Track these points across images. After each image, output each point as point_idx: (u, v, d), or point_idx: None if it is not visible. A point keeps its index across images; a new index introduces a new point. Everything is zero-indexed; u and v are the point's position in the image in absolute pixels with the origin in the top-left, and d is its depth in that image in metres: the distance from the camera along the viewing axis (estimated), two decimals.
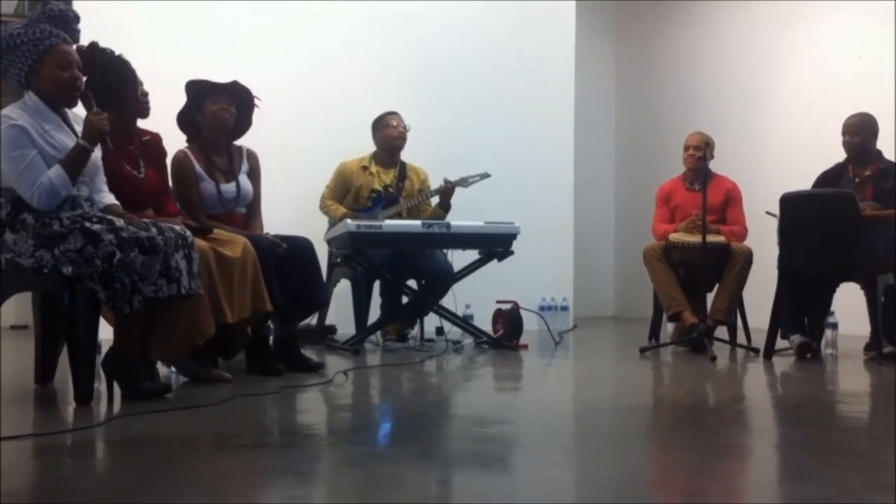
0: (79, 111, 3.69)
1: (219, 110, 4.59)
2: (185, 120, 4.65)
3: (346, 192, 5.84)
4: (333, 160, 5.95)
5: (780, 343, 5.22)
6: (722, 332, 5.64)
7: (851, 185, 5.31)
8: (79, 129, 3.58)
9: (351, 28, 6.82)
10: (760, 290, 5.60)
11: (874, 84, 6.49)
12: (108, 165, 3.81)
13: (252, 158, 4.72)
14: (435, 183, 5.87)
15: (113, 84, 3.91)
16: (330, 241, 5.62)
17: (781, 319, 5.20)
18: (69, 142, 3.54)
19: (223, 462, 2.70)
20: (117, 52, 3.99)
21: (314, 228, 5.51)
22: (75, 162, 3.49)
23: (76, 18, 3.67)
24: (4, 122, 3.45)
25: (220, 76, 4.72)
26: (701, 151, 5.76)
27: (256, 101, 4.69)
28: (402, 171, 5.93)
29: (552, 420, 3.45)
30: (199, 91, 4.60)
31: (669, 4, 8.56)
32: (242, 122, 4.70)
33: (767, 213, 5.39)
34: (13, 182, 3.45)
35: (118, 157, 3.92)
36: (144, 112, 4.10)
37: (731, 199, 5.90)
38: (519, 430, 3.27)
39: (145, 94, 4.09)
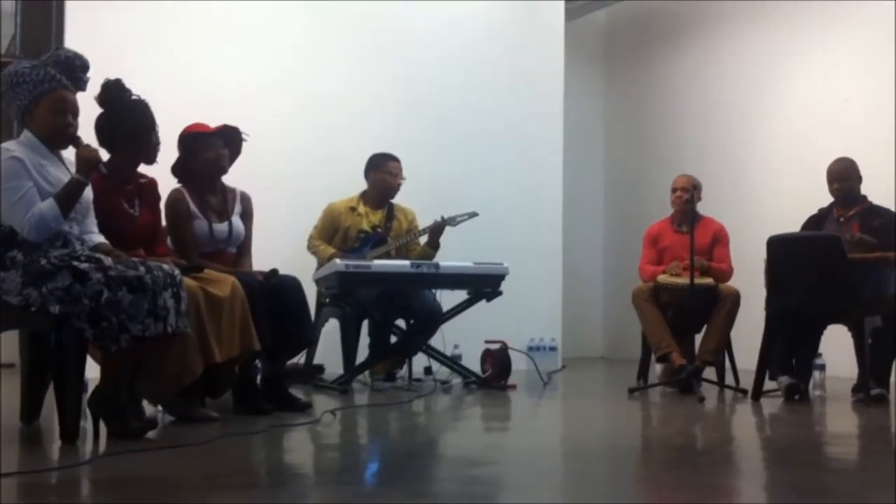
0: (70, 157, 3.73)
1: (215, 156, 4.62)
2: (181, 169, 4.66)
3: (334, 233, 5.85)
4: (322, 199, 5.96)
5: (769, 384, 5.22)
6: (710, 373, 5.64)
7: (837, 224, 5.35)
8: (73, 169, 3.61)
9: (339, 69, 6.87)
10: (748, 332, 5.60)
11: (860, 127, 6.56)
12: (105, 199, 3.85)
13: (245, 200, 4.75)
14: (423, 223, 5.88)
15: (130, 125, 3.95)
16: (318, 281, 5.62)
17: (769, 361, 5.21)
18: (64, 178, 3.58)
19: (210, 502, 2.67)
20: (139, 96, 4.03)
21: (302, 267, 5.50)
22: (69, 196, 3.53)
23: (84, 68, 3.73)
24: (4, 154, 3.50)
25: (210, 118, 4.77)
26: (688, 193, 5.80)
27: (244, 136, 4.72)
28: (391, 211, 5.95)
29: (541, 461, 3.43)
30: (193, 142, 4.63)
31: (657, 47, 8.65)
32: (233, 156, 4.74)
33: None
34: (5, 212, 3.47)
35: (115, 194, 3.95)
36: (152, 159, 4.12)
37: (719, 239, 5.94)
38: (508, 472, 3.26)
39: (158, 142, 4.10)
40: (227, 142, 4.66)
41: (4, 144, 3.57)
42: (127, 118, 3.97)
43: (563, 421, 4.92)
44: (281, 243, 6.00)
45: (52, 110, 3.59)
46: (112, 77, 4.01)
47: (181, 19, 6.50)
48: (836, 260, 4.93)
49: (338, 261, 5.23)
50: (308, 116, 6.71)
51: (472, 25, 7.33)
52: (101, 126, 3.95)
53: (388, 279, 5.36)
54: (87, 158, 3.57)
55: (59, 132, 3.61)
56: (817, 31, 7.19)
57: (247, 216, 4.73)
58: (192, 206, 4.56)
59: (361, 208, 5.89)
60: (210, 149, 4.60)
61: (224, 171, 4.67)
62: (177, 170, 4.65)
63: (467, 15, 7.30)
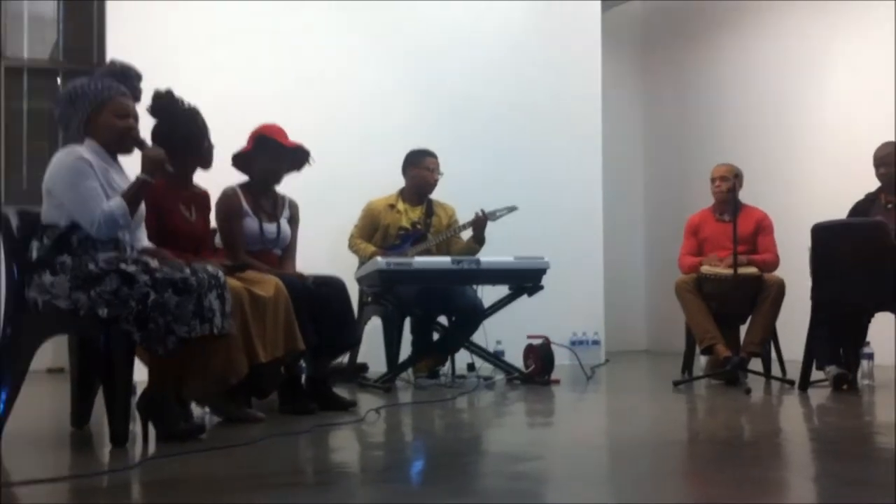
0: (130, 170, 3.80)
1: (277, 170, 4.72)
2: (242, 162, 4.75)
3: (374, 231, 5.87)
4: (363, 198, 5.99)
5: (816, 374, 5.16)
6: (756, 364, 5.59)
7: (884, 211, 5.27)
8: (132, 178, 3.69)
9: (374, 68, 6.90)
10: (794, 322, 5.55)
11: None
12: (164, 203, 3.96)
13: (293, 207, 4.84)
14: (462, 218, 5.89)
15: (184, 133, 4.04)
16: (360, 280, 5.64)
17: (816, 350, 5.15)
18: (126, 184, 3.66)
19: (257, 501, 2.70)
20: (190, 104, 4.12)
21: (345, 267, 5.54)
22: (135, 194, 3.61)
23: (138, 77, 3.82)
24: (72, 154, 3.58)
25: (249, 119, 4.82)
26: (728, 182, 5.75)
27: (311, 161, 4.79)
28: (430, 207, 5.96)
29: (586, 456, 3.42)
30: (266, 147, 4.69)
31: (696, 36, 8.58)
32: (290, 171, 4.82)
33: None
34: (76, 209, 3.53)
35: (174, 198, 4.05)
36: (207, 164, 4.19)
37: (762, 228, 5.87)
38: (552, 467, 3.25)
39: (212, 147, 4.18)
40: (294, 160, 4.76)
41: (71, 146, 3.65)
42: (181, 127, 4.05)
43: (607, 415, 4.90)
44: (323, 244, 6.04)
45: (115, 115, 3.67)
46: (163, 87, 4.09)
47: (221, 21, 6.58)
48: (882, 247, 4.86)
49: (379, 259, 5.25)
50: (344, 115, 6.76)
51: (507, 16, 7.32)
52: (156, 136, 4.01)
53: (429, 276, 5.37)
54: (153, 158, 3.64)
55: (125, 135, 3.69)
56: (857, 16, 7.08)
57: (294, 222, 4.82)
58: (245, 205, 4.65)
59: (400, 205, 5.91)
60: (276, 161, 4.68)
61: (278, 183, 4.77)
62: (239, 159, 4.73)
63: (503, 5, 7.28)
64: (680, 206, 7.57)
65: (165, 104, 4.07)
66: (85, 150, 3.62)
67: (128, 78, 3.77)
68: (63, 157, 3.58)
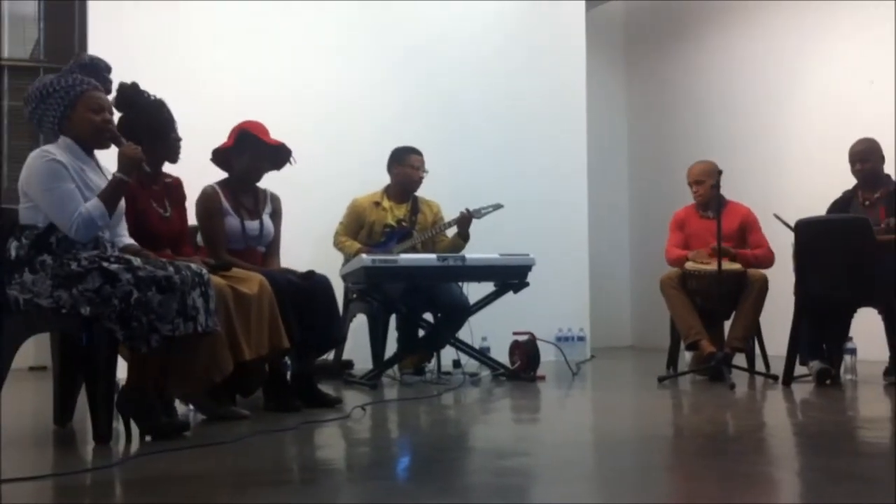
0: (106, 166, 3.76)
1: (259, 167, 4.70)
2: (221, 158, 4.73)
3: (359, 229, 5.86)
4: (349, 195, 5.98)
5: (799, 369, 5.19)
6: (740, 359, 5.61)
7: (862, 208, 5.30)
8: (109, 175, 3.64)
9: (363, 65, 6.89)
10: (777, 317, 5.57)
11: (886, 109, 6.48)
12: (137, 203, 3.89)
13: (275, 201, 4.80)
14: (448, 216, 5.89)
15: (150, 125, 3.99)
16: (345, 277, 5.64)
17: (799, 346, 5.18)
18: (102, 183, 3.62)
19: (243, 500, 2.69)
20: (156, 96, 4.08)
21: (330, 264, 5.53)
22: (113, 194, 3.57)
23: (107, 68, 3.79)
24: (45, 156, 3.53)
25: (231, 116, 4.80)
26: (704, 186, 5.78)
27: (292, 161, 4.77)
28: (415, 204, 5.95)
29: (572, 452, 3.43)
30: (247, 144, 4.66)
31: (679, 33, 8.60)
32: (270, 170, 4.81)
33: (776, 216, 5.40)
34: (52, 213, 3.50)
35: (146, 196, 4.00)
36: (175, 157, 4.16)
37: (749, 224, 5.88)
38: (538, 463, 3.25)
39: (178, 139, 4.15)
40: (275, 159, 4.74)
41: (44, 147, 3.60)
42: (146, 119, 4.00)
43: (593, 411, 4.91)
44: (307, 241, 6.03)
45: (90, 110, 3.63)
46: (146, 85, 4.06)
47: (204, 21, 6.54)
48: (865, 243, 4.89)
49: (364, 256, 5.24)
50: (328, 112, 6.73)
51: (493, 14, 7.31)
52: (122, 128, 3.96)
53: (415, 273, 5.37)
54: (130, 156, 3.60)
55: (102, 130, 3.65)
56: (841, 14, 7.11)
57: (276, 216, 4.77)
58: (225, 204, 4.61)
59: (386, 203, 5.90)
60: (259, 159, 4.67)
61: (258, 181, 4.75)
62: (219, 155, 4.70)
63: (489, 4, 7.27)
64: (665, 202, 7.58)
65: (130, 96, 4.00)
66: (58, 151, 3.57)
67: (97, 70, 3.72)
68: (36, 160, 3.53)
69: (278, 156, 4.75)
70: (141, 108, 4.01)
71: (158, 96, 4.09)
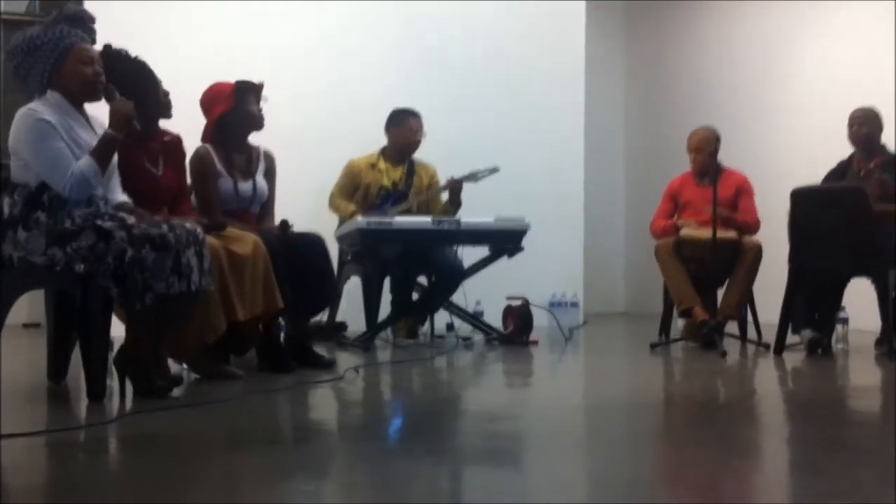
0: (97, 116, 3.72)
1: (258, 110, 4.64)
2: (218, 128, 4.59)
3: (354, 190, 5.84)
4: (345, 156, 5.95)
5: (791, 338, 5.20)
6: (732, 327, 5.63)
7: (857, 178, 5.30)
8: (100, 130, 3.60)
9: (363, 28, 6.83)
10: (771, 286, 5.58)
11: (883, 81, 6.46)
12: (128, 161, 3.84)
13: (269, 159, 4.75)
14: (444, 178, 5.86)
15: (132, 84, 3.91)
16: (340, 239, 5.63)
17: (792, 315, 5.18)
18: (92, 140, 3.57)
19: (236, 459, 2.71)
20: (133, 54, 4.02)
21: (325, 225, 5.51)
22: (104, 152, 3.53)
23: (91, 19, 3.72)
24: (32, 116, 3.48)
25: (230, 74, 4.75)
26: (703, 153, 5.76)
27: (263, 98, 4.72)
28: (411, 167, 5.93)
29: (563, 416, 3.45)
30: (245, 95, 4.61)
31: (678, 4, 8.53)
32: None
33: None
34: (44, 174, 3.47)
35: (138, 154, 3.96)
36: (167, 112, 4.12)
37: (742, 191, 5.86)
38: (530, 427, 3.27)
39: (166, 94, 4.11)
40: (259, 96, 4.69)
41: (30, 105, 3.54)
42: (129, 76, 3.91)
43: (584, 376, 4.93)
44: (302, 201, 6.00)
45: (81, 62, 3.57)
46: (144, 44, 4.03)
47: None
48: (860, 212, 4.89)
49: (359, 218, 5.23)
50: (325, 73, 6.68)
51: None
52: (107, 86, 3.90)
53: (410, 236, 5.36)
54: (122, 112, 3.56)
55: (93, 82, 3.60)
56: None
57: (270, 175, 4.73)
58: (218, 165, 4.56)
59: (382, 164, 5.87)
60: (254, 103, 4.61)
61: (261, 127, 4.67)
62: (216, 126, 4.58)
63: None
64: (660, 168, 7.56)
65: (112, 56, 3.90)
66: (45, 108, 3.51)
67: (82, 21, 3.65)
68: (23, 120, 3.48)
69: (259, 92, 4.69)
70: (121, 67, 3.91)
71: (137, 56, 4.01)
